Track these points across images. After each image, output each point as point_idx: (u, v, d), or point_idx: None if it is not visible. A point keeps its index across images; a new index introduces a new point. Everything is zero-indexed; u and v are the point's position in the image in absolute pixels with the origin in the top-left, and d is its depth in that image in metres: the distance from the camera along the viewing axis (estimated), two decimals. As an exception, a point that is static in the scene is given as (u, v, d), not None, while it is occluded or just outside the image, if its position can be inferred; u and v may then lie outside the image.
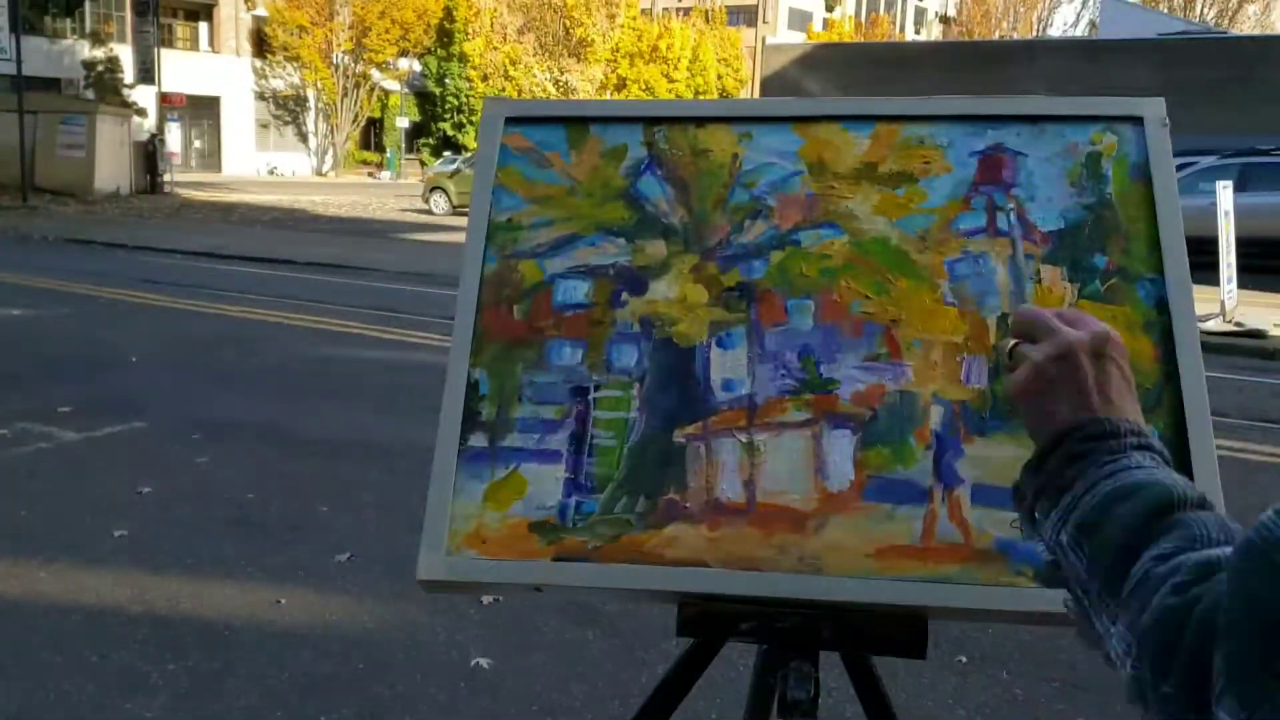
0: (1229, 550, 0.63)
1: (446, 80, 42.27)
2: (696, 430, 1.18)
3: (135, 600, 3.44)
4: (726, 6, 49.97)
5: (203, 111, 37.82)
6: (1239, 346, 8.64)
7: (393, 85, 40.52)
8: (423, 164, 37.25)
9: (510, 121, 1.35)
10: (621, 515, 1.16)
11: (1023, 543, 1.09)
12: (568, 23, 40.59)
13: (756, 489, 1.15)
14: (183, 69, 34.84)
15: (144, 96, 27.00)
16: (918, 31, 62.90)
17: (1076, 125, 1.26)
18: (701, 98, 38.05)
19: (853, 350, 1.19)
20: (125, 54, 28.64)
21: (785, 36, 49.12)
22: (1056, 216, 1.22)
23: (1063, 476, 0.75)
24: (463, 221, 1.62)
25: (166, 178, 25.26)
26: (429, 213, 22.95)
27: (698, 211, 1.28)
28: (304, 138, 41.61)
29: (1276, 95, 17.98)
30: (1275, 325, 9.28)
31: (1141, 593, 0.65)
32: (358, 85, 39.78)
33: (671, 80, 41.15)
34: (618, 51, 41.26)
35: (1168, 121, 1.25)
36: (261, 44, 39.35)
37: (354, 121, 40.74)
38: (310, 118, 41.21)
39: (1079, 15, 68.36)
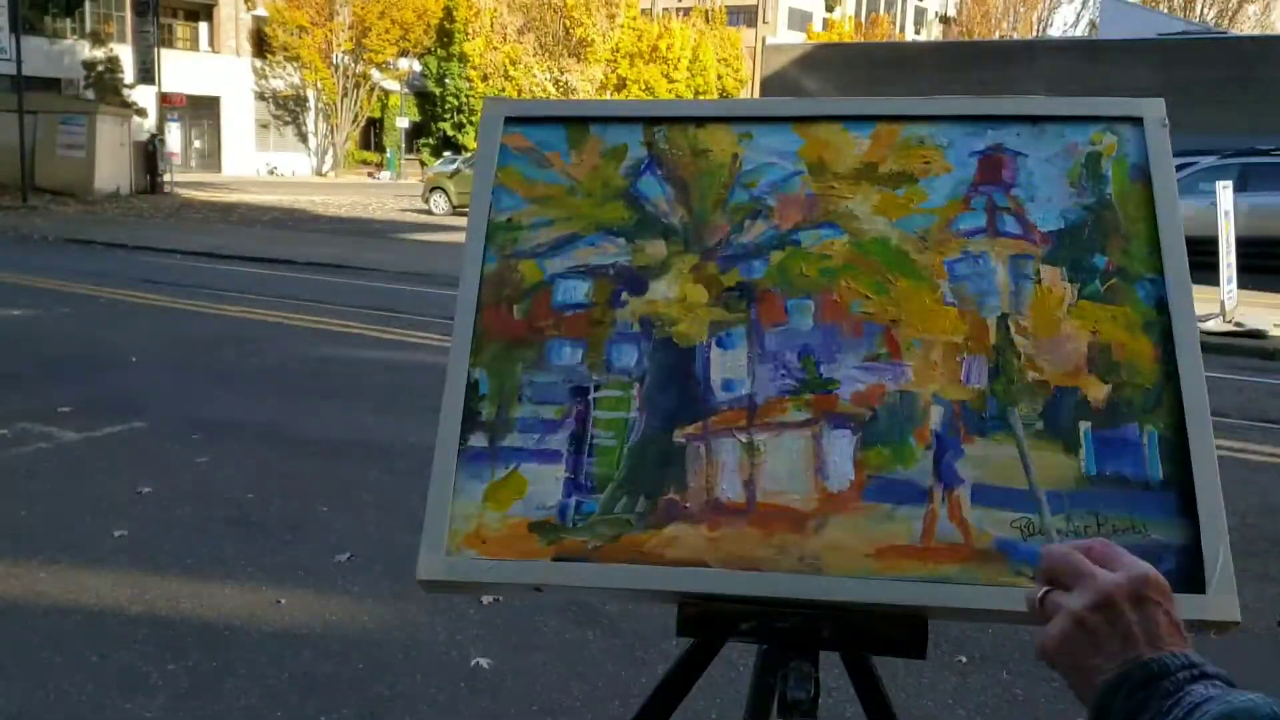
0: None
1: (446, 80, 42.27)
2: (696, 430, 1.18)
3: (135, 600, 3.44)
4: (726, 6, 49.97)
5: (203, 111, 37.81)
6: (1239, 346, 8.64)
7: (393, 85, 40.52)
8: (423, 164, 37.25)
9: (510, 121, 1.35)
10: (621, 515, 1.16)
11: (1023, 543, 1.10)
12: (568, 23, 40.58)
13: (756, 489, 1.15)
14: (183, 69, 34.84)
15: (144, 96, 27.00)
16: (918, 31, 62.89)
17: (1076, 125, 1.27)
18: (701, 98, 38.05)
19: (853, 350, 1.19)
20: (125, 54, 28.64)
21: (785, 36, 49.13)
22: (1056, 216, 1.23)
23: None
24: (463, 221, 1.62)
25: (166, 178, 25.26)
26: (429, 213, 22.95)
27: (698, 211, 1.28)
28: (304, 138, 41.61)
29: (1276, 95, 17.99)
30: (1275, 325, 9.28)
31: None
32: (358, 85, 39.77)
33: (671, 80, 41.14)
34: (618, 51, 41.24)
35: (1167, 122, 1.25)
36: (261, 44, 39.34)
37: (354, 121, 40.73)
38: (310, 118, 41.20)
39: (1079, 15, 68.41)
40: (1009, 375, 1.16)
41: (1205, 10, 44.49)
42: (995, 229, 1.23)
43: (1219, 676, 0.67)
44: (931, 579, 1.10)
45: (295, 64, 38.82)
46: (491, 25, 40.71)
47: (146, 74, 26.28)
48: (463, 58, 41.40)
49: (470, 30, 41.27)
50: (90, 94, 28.20)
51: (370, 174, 41.28)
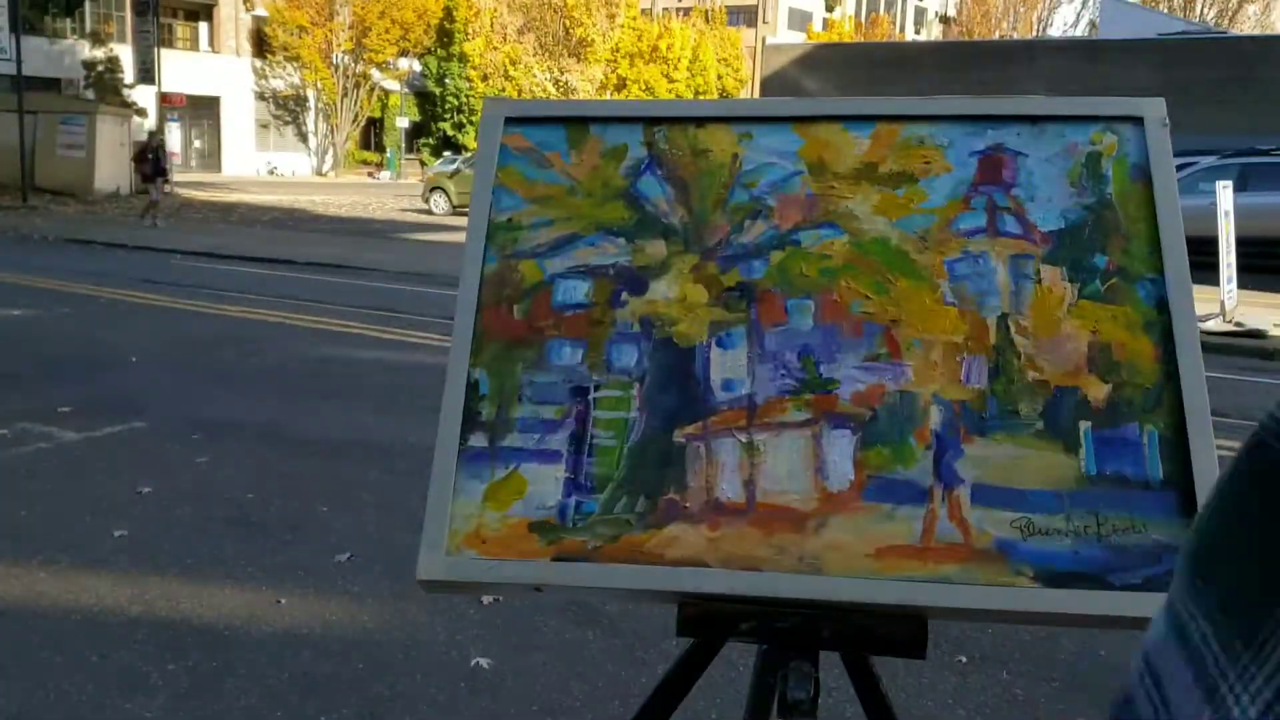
0: None
1: (446, 80, 42.26)
2: (696, 430, 1.18)
3: (135, 600, 3.44)
4: (726, 6, 49.97)
5: (203, 111, 37.81)
6: (1239, 346, 8.64)
7: (393, 85, 40.51)
8: (423, 164, 37.25)
9: (510, 121, 1.35)
10: (621, 515, 1.16)
11: (1023, 543, 1.10)
12: (568, 23, 40.57)
13: (756, 489, 1.15)
14: (183, 69, 34.83)
15: (144, 96, 27.00)
16: (918, 31, 62.89)
17: (1076, 125, 1.27)
18: (701, 98, 38.06)
19: (853, 350, 1.19)
20: (125, 54, 28.63)
21: (785, 36, 49.13)
22: (1056, 216, 1.23)
23: None
24: (463, 221, 1.62)
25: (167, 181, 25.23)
26: (429, 213, 22.95)
27: (698, 211, 1.28)
28: (304, 138, 41.60)
29: (1276, 95, 17.98)
30: (1275, 325, 9.29)
31: None
32: (358, 85, 39.77)
33: (671, 80, 41.14)
34: (618, 51, 41.24)
35: (1168, 121, 1.25)
36: (261, 44, 39.33)
37: (354, 121, 40.73)
38: (310, 118, 41.19)
39: (1079, 15, 68.37)
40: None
41: (1205, 10, 44.49)
42: (995, 229, 1.23)
43: None
44: (931, 579, 1.09)
45: (295, 64, 38.81)
46: (491, 25, 40.71)
47: (146, 74, 26.27)
48: (463, 58, 41.40)
49: (470, 30, 41.27)
50: (90, 94, 28.20)
51: (370, 174, 41.27)
